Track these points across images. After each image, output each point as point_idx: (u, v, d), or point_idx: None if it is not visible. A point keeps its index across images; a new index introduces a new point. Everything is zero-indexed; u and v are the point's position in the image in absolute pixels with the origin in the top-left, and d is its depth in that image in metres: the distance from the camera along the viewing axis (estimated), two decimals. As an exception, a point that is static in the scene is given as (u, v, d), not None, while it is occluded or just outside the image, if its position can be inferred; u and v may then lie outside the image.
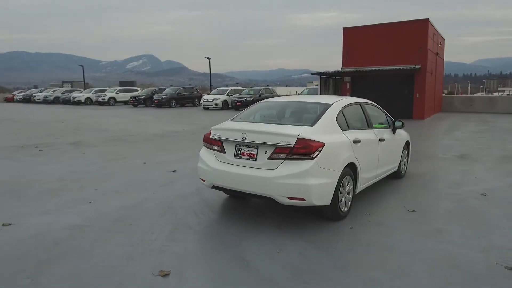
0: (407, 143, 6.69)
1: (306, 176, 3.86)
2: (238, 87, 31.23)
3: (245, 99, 25.88)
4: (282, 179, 3.89)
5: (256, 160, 4.11)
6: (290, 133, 3.98)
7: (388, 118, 6.08)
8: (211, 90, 33.91)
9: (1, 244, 3.68)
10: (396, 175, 6.44)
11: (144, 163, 7.80)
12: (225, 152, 4.38)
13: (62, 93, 39.25)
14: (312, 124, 4.28)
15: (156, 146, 10.30)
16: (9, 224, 4.20)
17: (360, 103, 5.32)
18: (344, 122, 4.72)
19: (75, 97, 35.86)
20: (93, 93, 35.70)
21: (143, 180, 6.31)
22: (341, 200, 4.37)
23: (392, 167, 6.04)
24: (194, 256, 3.43)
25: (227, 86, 36.94)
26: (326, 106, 4.65)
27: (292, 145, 3.92)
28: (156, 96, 30.70)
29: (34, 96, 39.64)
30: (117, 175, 6.67)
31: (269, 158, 4.02)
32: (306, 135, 3.97)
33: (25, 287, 2.88)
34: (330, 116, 4.49)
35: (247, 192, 4.16)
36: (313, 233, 4.01)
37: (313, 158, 3.90)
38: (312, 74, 21.14)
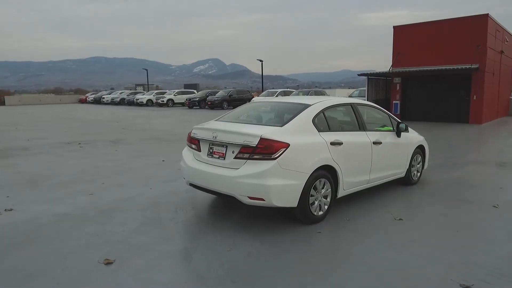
0: (420, 147, 6.25)
1: (265, 176, 3.84)
2: (288, 89, 31.16)
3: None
4: (243, 178, 3.91)
5: (224, 159, 4.17)
6: (254, 133, 3.98)
7: (393, 121, 5.74)
8: (262, 92, 34.30)
9: (-6, 226, 4.18)
10: (405, 181, 6.05)
11: (163, 160, 8.19)
12: (200, 151, 4.51)
13: (127, 95, 42.29)
14: (283, 125, 4.23)
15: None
16: (11, 210, 4.73)
17: (351, 104, 5.11)
18: (325, 123, 4.59)
19: (137, 99, 38.46)
20: (154, 95, 37.98)
21: (151, 176, 6.66)
22: (313, 203, 4.25)
23: (397, 172, 5.69)
24: (144, 249, 3.58)
25: (287, 88, 36.97)
26: (305, 107, 4.55)
27: (255, 145, 3.91)
28: (209, 98, 31.83)
29: (103, 98, 43.27)
30: (131, 171, 7.11)
31: (235, 157, 4.05)
32: (269, 136, 3.94)
33: (-11, 264, 3.26)
34: (305, 116, 4.39)
35: (215, 191, 4.23)
36: (276, 234, 3.97)
37: (275, 159, 3.86)
38: (358, 75, 20.43)
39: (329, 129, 4.60)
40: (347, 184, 4.68)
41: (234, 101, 32.01)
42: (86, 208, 4.84)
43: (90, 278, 3.03)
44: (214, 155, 4.30)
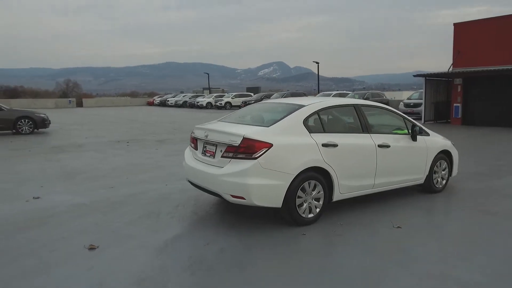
0: (445, 153, 5.82)
1: (245, 175, 3.90)
2: (344, 92, 30.39)
3: (347, 103, 25.09)
4: (227, 177, 4.01)
5: (214, 157, 4.31)
6: (238, 133, 4.06)
7: (408, 123, 5.42)
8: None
9: (11, 210, 4.76)
10: (426, 188, 5.68)
11: (193, 160, 8.55)
12: (197, 150, 4.70)
13: (189, 98, 44.39)
14: (270, 125, 4.26)
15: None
16: (38, 198, 5.34)
17: (354, 106, 4.94)
18: (319, 124, 4.52)
19: (198, 102, 40.19)
20: (213, 98, 39.42)
21: (173, 174, 7.01)
22: (302, 205, 4.21)
23: (412, 178, 5.36)
24: (129, 238, 3.85)
25: (353, 90, 35.95)
26: (298, 108, 4.52)
27: (238, 144, 4.00)
28: (263, 101, 32.25)
29: (168, 101, 45.92)
30: (159, 169, 7.56)
31: (222, 156, 4.17)
32: (251, 135, 4.00)
33: (-4, 243, 3.76)
34: (295, 117, 4.36)
35: (205, 188, 4.39)
36: (262, 235, 4.00)
37: (255, 158, 3.91)
38: (414, 76, 19.29)
39: (324, 130, 4.51)
40: (345, 188, 4.54)
41: (289, 103, 32.08)
42: (100, 200, 5.28)
43: (69, 260, 3.36)
44: (206, 154, 4.47)
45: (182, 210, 4.83)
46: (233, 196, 3.98)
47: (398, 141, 5.14)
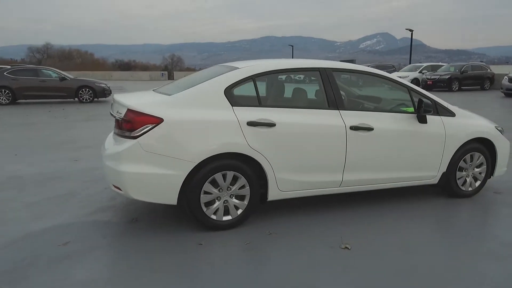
0: (482, 142, 4.02)
1: (119, 159, 2.97)
2: (439, 63, 26.20)
3: (438, 77, 21.54)
4: (107, 160, 3.13)
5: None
6: (126, 103, 3.09)
7: (415, 97, 3.77)
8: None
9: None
10: (446, 190, 4.04)
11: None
12: None
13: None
14: (174, 93, 3.18)
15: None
16: (-7, 167, 5.15)
17: (320, 70, 3.50)
18: (253, 95, 3.28)
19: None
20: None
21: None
22: (213, 203, 3.12)
23: (416, 176, 3.79)
24: (7, 222, 3.27)
25: (457, 62, 31.13)
26: (226, 71, 3.33)
27: (121, 118, 3.05)
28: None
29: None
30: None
31: (114, 133, 3.28)
32: (137, 106, 2.99)
33: None
34: (214, 84, 3.19)
35: None
36: (132, 238, 3.06)
37: (135, 138, 2.92)
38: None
39: (260, 103, 3.26)
40: (288, 184, 3.29)
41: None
42: (41, 173, 4.83)
43: None
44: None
45: (105, 195, 4.09)
46: (114, 187, 3.09)
47: (392, 122, 3.60)
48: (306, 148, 3.28)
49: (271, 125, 3.15)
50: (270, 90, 3.83)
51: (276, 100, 3.71)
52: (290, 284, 2.42)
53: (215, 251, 2.85)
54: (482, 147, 4.02)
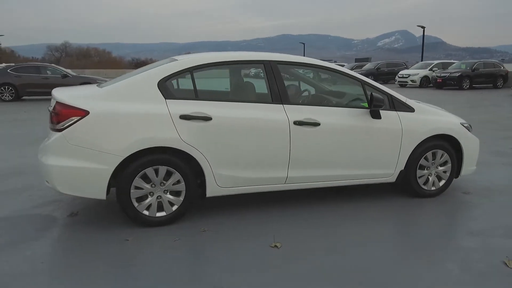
0: (448, 139, 3.83)
1: (46, 152, 2.94)
2: (451, 61, 25.49)
3: (448, 75, 20.90)
4: (38, 154, 3.09)
5: None
6: (57, 96, 3.05)
7: (369, 91, 3.60)
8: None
9: None
10: (407, 190, 3.86)
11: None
12: None
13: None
14: (105, 86, 3.12)
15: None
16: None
17: (264, 63, 3.37)
18: (189, 88, 3.20)
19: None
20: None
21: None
22: (145, 199, 3.05)
23: (370, 173, 3.64)
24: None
25: (481, 59, 30.08)
26: (165, 63, 3.26)
27: (51, 111, 3.01)
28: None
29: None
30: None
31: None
32: (64, 99, 2.94)
33: None
34: (147, 77, 3.12)
35: None
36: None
37: (60, 130, 2.87)
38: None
39: (197, 97, 3.17)
40: (228, 180, 3.19)
41: (382, 75, 28.50)
42: (15, 167, 4.88)
43: None
44: None
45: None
46: (47, 181, 3.05)
47: (341, 117, 3.45)
48: (246, 143, 3.17)
49: (207, 118, 3.06)
50: (207, 84, 3.73)
51: (216, 93, 3.62)
52: (204, 281, 2.33)
53: (139, 248, 2.78)
54: (446, 144, 3.82)
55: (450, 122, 3.85)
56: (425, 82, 23.15)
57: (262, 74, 3.40)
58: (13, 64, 16.22)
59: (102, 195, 2.96)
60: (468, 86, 20.38)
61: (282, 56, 3.52)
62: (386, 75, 28.47)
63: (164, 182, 3.06)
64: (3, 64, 15.28)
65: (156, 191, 3.07)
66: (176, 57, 3.45)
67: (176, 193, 3.13)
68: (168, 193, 3.11)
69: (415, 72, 23.56)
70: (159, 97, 3.05)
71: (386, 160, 3.63)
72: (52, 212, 3.43)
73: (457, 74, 20.44)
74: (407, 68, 28.27)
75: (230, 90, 3.67)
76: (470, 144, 3.94)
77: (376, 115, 3.51)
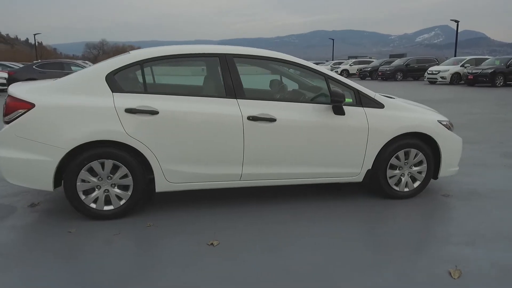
0: (425, 139, 3.59)
1: None
2: (485, 57, 24.05)
3: (480, 71, 19.78)
4: None
5: None
6: (9, 89, 3.12)
7: (333, 86, 3.42)
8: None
9: None
10: (377, 190, 3.66)
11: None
12: None
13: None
14: (59, 79, 3.16)
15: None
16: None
17: (219, 57, 3.28)
18: (138, 81, 3.20)
19: (316, 69, 38.50)
20: (330, 66, 37.00)
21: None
22: (92, 192, 3.06)
23: (334, 172, 3.47)
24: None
25: None
26: (118, 56, 3.25)
27: (3, 104, 3.08)
28: (381, 68, 28.48)
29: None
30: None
31: None
32: (15, 92, 3.01)
33: None
34: (94, 70, 3.12)
35: None
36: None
37: (8, 122, 2.93)
38: None
39: (146, 90, 3.14)
40: (178, 175, 3.15)
41: (412, 71, 27.49)
42: None
43: None
44: None
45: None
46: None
47: (301, 113, 3.31)
48: (195, 138, 3.11)
49: (153, 112, 3.02)
50: (157, 77, 3.67)
51: (166, 87, 3.57)
52: (131, 278, 2.30)
53: (79, 239, 2.79)
54: (421, 143, 3.58)
55: (424, 119, 3.59)
56: (456, 79, 22.05)
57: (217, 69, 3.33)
58: (39, 60, 16.99)
59: (49, 187, 2.99)
60: (502, 83, 19.19)
61: (239, 49, 3.41)
62: (416, 71, 27.43)
63: (112, 176, 3.06)
64: (39, 61, 16.06)
65: (103, 185, 3.07)
66: (133, 51, 3.44)
67: (124, 187, 3.12)
68: (115, 187, 3.10)
69: (446, 69, 22.48)
70: (106, 90, 3.04)
71: (351, 158, 3.45)
72: (15, 202, 3.53)
73: (490, 71, 19.28)
74: (438, 64, 27.02)
75: (186, 84, 3.62)
76: (449, 143, 3.66)
77: (338, 111, 3.34)
